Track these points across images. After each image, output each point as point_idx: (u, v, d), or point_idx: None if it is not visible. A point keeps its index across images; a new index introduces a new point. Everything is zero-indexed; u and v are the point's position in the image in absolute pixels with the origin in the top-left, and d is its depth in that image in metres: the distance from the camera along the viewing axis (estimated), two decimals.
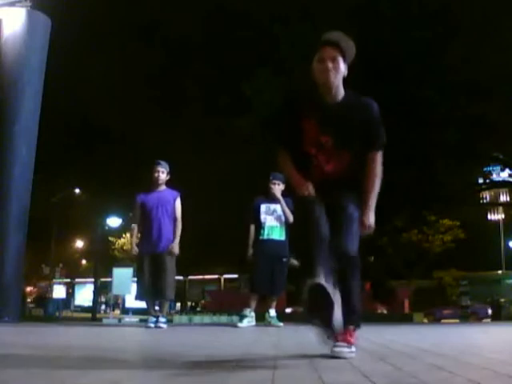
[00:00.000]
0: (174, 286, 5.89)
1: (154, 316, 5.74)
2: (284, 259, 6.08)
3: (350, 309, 2.46)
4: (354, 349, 2.37)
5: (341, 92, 2.66)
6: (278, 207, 6.17)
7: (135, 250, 5.83)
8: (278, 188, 6.18)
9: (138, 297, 5.92)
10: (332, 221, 2.53)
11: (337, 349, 2.31)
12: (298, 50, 15.27)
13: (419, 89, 14.03)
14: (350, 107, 2.65)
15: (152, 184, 5.86)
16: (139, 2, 18.60)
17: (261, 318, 6.25)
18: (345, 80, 2.68)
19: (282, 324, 6.12)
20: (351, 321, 2.46)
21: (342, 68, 2.62)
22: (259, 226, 6.15)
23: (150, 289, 5.77)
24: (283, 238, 6.15)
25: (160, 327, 5.59)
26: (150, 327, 5.61)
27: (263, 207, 6.20)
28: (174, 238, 5.77)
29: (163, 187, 5.88)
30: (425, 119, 14.83)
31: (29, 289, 36.15)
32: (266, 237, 6.12)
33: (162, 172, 5.82)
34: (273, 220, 6.17)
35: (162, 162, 5.90)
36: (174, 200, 5.86)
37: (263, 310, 6.27)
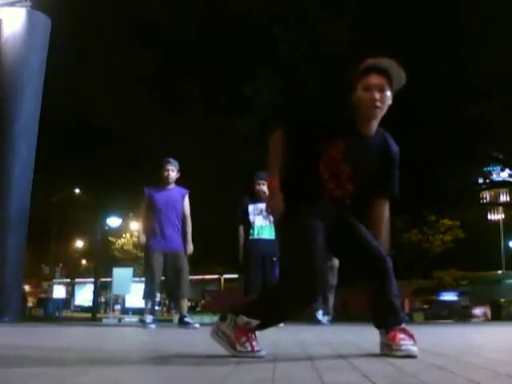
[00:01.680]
0: (188, 283, 5.89)
1: (152, 315, 5.74)
2: (274, 258, 6.05)
3: (399, 307, 2.42)
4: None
5: (375, 125, 2.47)
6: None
7: (143, 238, 5.79)
8: (263, 188, 6.19)
9: (147, 295, 5.78)
10: (351, 232, 2.48)
11: (407, 347, 2.25)
12: (298, 50, 15.30)
13: (419, 89, 14.04)
14: (380, 146, 2.50)
15: (162, 182, 5.84)
16: (139, 2, 18.60)
17: None
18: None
19: (282, 324, 6.10)
20: (403, 318, 2.43)
21: (389, 99, 2.41)
22: (249, 227, 6.15)
23: (157, 287, 5.78)
24: (273, 236, 6.05)
25: (195, 327, 5.48)
26: (151, 328, 5.55)
27: (251, 207, 6.20)
28: (186, 236, 5.77)
29: (173, 185, 5.87)
30: (424, 119, 14.84)
31: (29, 288, 36.11)
32: (256, 236, 6.14)
33: (172, 170, 5.80)
34: (262, 219, 6.16)
35: (172, 160, 5.86)
36: (183, 198, 5.85)
37: None
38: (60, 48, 9.39)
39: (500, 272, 32.00)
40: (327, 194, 2.46)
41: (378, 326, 2.44)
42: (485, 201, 30.18)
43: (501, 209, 36.66)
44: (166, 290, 5.97)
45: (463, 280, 15.93)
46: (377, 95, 2.35)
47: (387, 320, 2.37)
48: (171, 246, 5.70)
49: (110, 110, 24.41)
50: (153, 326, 5.65)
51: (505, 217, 36.02)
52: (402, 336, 2.29)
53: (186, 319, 5.67)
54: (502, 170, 20.23)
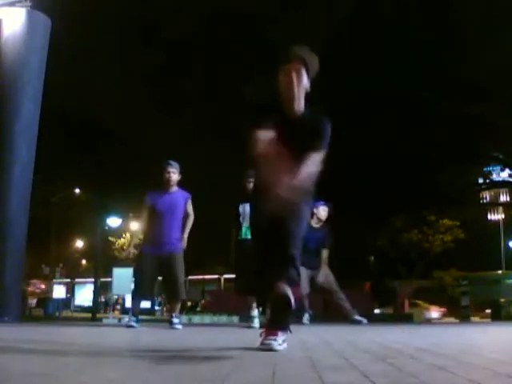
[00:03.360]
0: (184, 285, 5.90)
1: (136, 316, 5.76)
2: None
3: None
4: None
5: (301, 106, 2.77)
6: None
7: (131, 251, 5.87)
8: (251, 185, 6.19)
9: (132, 297, 5.92)
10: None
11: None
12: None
13: (419, 89, 14.04)
14: (307, 123, 2.74)
15: (163, 185, 5.82)
16: (139, 2, 18.59)
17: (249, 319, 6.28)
18: (307, 95, 2.78)
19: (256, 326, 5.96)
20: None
21: (305, 81, 2.73)
22: (238, 228, 6.18)
23: (147, 289, 5.79)
24: None
25: (176, 328, 5.55)
26: (133, 327, 5.55)
27: (241, 208, 6.22)
28: (184, 231, 5.77)
29: (175, 188, 5.86)
30: (424, 119, 14.84)
31: (29, 288, 36.11)
32: (243, 237, 6.16)
33: (174, 173, 5.78)
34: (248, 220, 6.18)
35: (173, 163, 5.84)
36: (186, 202, 5.84)
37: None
38: (59, 48, 9.39)
39: (500, 272, 32.00)
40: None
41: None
42: (485, 201, 30.20)
43: (501, 209, 36.67)
44: (163, 292, 6.04)
45: (463, 280, 15.96)
46: (294, 78, 2.68)
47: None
48: (167, 249, 5.70)
49: (111, 110, 24.40)
50: (136, 325, 5.66)
51: (505, 217, 36.03)
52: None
53: (172, 319, 5.72)
54: (502, 170, 20.24)
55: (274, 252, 2.67)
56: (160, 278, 5.89)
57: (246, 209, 6.14)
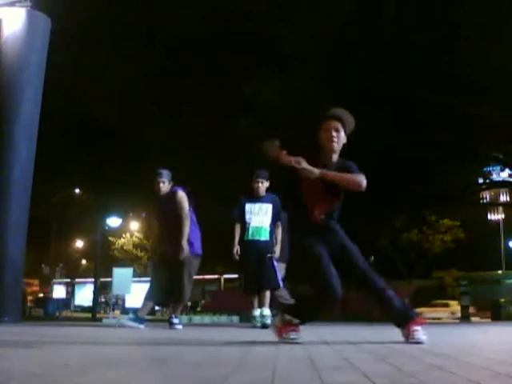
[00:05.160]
0: (189, 287, 5.90)
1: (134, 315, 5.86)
2: (269, 255, 6.08)
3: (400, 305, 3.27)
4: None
5: (337, 156, 3.31)
6: (263, 206, 6.15)
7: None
8: (262, 186, 6.17)
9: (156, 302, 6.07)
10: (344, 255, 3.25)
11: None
12: (298, 51, 15.29)
13: (418, 89, 14.03)
14: (340, 166, 3.29)
15: (155, 192, 5.86)
16: (139, 2, 18.58)
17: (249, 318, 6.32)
18: (342, 148, 3.29)
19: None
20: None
21: (343, 139, 3.26)
22: (244, 226, 6.14)
23: (159, 293, 5.84)
24: (268, 238, 6.13)
25: (176, 328, 5.60)
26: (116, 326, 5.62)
27: (248, 207, 6.17)
28: (179, 239, 5.64)
29: (166, 194, 5.85)
30: (424, 119, 14.83)
31: (29, 288, 36.13)
32: (250, 237, 6.11)
33: (163, 182, 5.77)
34: (257, 220, 6.14)
35: (163, 172, 5.79)
36: (173, 200, 5.79)
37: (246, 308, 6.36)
38: (60, 48, 9.38)
39: (500, 272, 32.02)
40: (313, 212, 3.23)
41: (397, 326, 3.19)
42: (485, 201, 30.20)
43: (501, 209, 36.69)
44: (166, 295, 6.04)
45: (463, 280, 15.96)
46: (334, 134, 3.21)
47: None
48: (169, 253, 5.75)
49: (111, 111, 24.38)
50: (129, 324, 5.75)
51: (505, 217, 36.04)
52: (414, 328, 3.07)
53: (172, 319, 5.75)
54: (502, 170, 20.24)
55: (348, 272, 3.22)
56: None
57: (253, 208, 6.12)
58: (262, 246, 6.10)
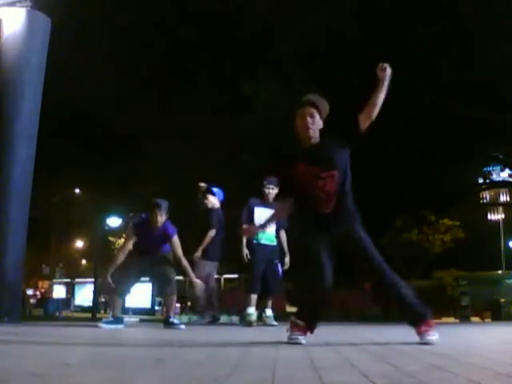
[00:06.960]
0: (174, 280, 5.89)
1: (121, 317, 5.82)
2: (275, 261, 6.40)
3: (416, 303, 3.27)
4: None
5: (317, 140, 3.32)
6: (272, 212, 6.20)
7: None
8: (272, 192, 6.24)
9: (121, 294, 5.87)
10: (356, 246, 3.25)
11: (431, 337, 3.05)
12: (298, 50, 15.28)
13: (419, 89, 14.02)
14: (325, 142, 3.31)
15: (150, 221, 5.75)
16: (139, 2, 18.59)
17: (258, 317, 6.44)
18: (321, 132, 3.31)
19: (276, 323, 6.23)
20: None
21: (319, 123, 3.29)
22: None
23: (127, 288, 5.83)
24: (275, 242, 6.41)
25: (179, 329, 5.53)
26: (103, 328, 5.48)
27: (257, 211, 6.24)
28: (190, 278, 5.84)
29: (160, 225, 5.76)
30: (424, 119, 14.82)
31: (29, 288, 36.10)
32: (260, 241, 6.31)
33: (161, 215, 5.73)
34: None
35: (163, 205, 5.70)
36: (169, 239, 5.74)
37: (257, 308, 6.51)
38: (60, 48, 9.39)
39: (500, 272, 31.99)
40: (318, 204, 3.20)
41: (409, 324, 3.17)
42: (485, 201, 30.20)
43: (501, 209, 36.67)
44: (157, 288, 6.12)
45: (463, 280, 15.96)
46: (309, 120, 3.24)
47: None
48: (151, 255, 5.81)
49: (111, 111, 24.41)
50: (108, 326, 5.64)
51: (505, 217, 36.03)
52: (425, 328, 3.07)
53: (175, 320, 5.75)
54: (502, 170, 20.24)
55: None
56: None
57: (262, 213, 6.08)
58: (271, 250, 6.37)
